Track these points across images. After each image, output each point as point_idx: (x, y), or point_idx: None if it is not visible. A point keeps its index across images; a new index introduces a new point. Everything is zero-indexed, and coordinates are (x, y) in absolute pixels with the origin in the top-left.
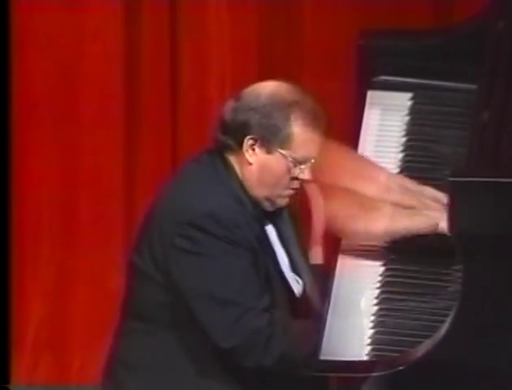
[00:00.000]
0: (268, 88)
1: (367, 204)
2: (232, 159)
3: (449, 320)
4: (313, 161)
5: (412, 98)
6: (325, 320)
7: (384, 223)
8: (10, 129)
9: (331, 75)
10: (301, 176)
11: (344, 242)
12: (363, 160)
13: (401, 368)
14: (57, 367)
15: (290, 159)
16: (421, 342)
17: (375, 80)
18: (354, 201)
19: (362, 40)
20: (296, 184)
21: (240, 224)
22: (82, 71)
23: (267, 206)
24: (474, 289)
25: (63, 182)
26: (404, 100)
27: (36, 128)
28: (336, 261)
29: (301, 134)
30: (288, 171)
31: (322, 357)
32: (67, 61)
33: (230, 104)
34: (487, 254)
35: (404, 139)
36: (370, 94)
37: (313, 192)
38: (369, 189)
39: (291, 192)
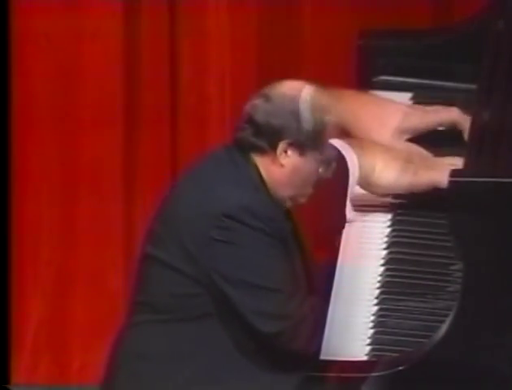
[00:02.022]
0: (302, 91)
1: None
2: (258, 159)
3: (448, 320)
4: None
5: (412, 98)
6: (325, 320)
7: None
8: (10, 129)
9: (331, 76)
10: (325, 175)
11: (343, 239)
12: (376, 103)
13: (401, 368)
14: (57, 367)
15: (321, 161)
16: (421, 342)
17: (375, 80)
18: (390, 154)
19: (362, 40)
20: (317, 182)
21: (274, 217)
22: (82, 71)
23: (288, 204)
24: (473, 289)
25: (63, 182)
26: (404, 100)
27: (36, 128)
28: (335, 260)
29: (330, 136)
30: (317, 171)
31: (322, 357)
32: (67, 61)
33: (259, 104)
34: (487, 254)
35: None
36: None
37: (346, 150)
38: (384, 135)
39: (312, 190)
